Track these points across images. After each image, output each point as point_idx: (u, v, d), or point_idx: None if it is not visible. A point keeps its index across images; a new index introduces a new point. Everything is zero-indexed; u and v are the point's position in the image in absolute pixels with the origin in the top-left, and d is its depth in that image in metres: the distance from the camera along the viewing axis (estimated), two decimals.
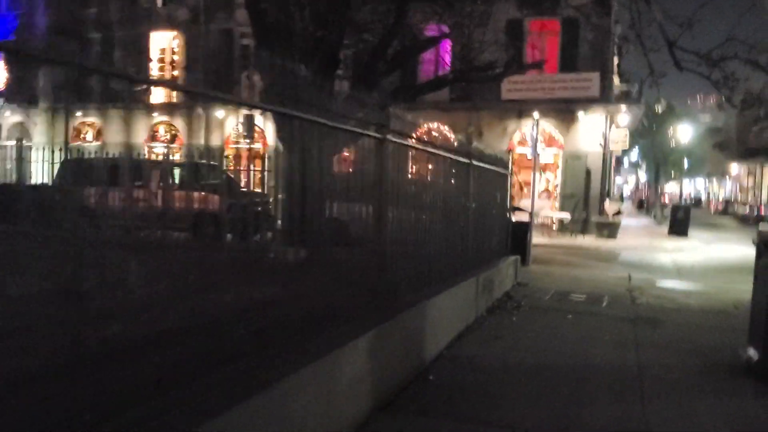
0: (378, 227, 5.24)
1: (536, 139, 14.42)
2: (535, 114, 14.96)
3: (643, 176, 62.30)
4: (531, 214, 14.42)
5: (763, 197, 54.67)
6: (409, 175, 6.03)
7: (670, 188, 68.73)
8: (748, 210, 43.54)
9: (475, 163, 8.26)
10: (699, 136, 42.03)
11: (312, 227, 5.08)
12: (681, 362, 6.31)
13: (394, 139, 5.35)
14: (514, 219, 14.59)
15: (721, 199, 62.15)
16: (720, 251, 20.33)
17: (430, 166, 6.82)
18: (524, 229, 13.91)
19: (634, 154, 48.52)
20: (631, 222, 33.62)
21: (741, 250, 20.83)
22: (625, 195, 67.83)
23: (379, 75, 10.95)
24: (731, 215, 46.86)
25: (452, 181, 7.62)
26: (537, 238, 21.96)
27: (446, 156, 7.06)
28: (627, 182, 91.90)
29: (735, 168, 69.22)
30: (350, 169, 5.57)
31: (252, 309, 4.80)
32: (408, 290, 5.76)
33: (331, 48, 9.64)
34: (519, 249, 13.34)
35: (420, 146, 6.00)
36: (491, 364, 5.93)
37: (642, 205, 51.10)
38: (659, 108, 34.24)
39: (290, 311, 4.62)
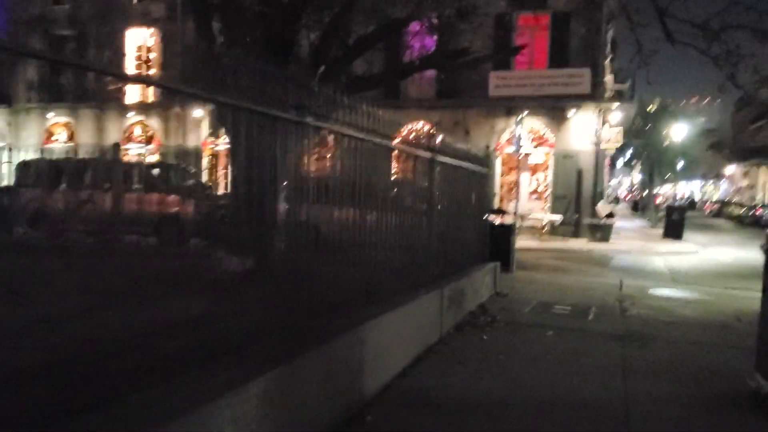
0: (297, 232, 4.22)
1: (520, 136, 13.39)
2: (522, 112, 13.96)
3: (637, 177, 61.42)
4: (515, 217, 13.34)
5: (760, 198, 53.90)
6: (342, 168, 4.99)
7: (665, 190, 67.93)
8: (743, 211, 42.59)
9: (440, 158, 7.23)
10: (694, 136, 41.18)
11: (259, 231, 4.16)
12: (675, 393, 5.28)
13: (314, 123, 4.31)
14: (498, 221, 13.58)
15: (715, 201, 61.34)
16: (717, 255, 19.35)
17: (380, 161, 5.80)
18: (507, 232, 12.90)
19: (628, 155, 47.60)
20: (624, 224, 32.67)
21: (739, 254, 19.89)
22: (619, 196, 66.97)
23: (338, 62, 9.89)
24: (726, 217, 45.92)
25: (410, 178, 6.59)
26: (526, 242, 21.00)
27: (396, 148, 6.02)
28: (621, 183, 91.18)
29: (730, 169, 68.56)
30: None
31: (135, 337, 3.81)
32: (343, 310, 4.72)
33: (277, 27, 8.58)
34: (501, 254, 12.35)
35: (351, 131, 4.93)
36: (448, 400, 4.89)
37: (636, 207, 50.21)
38: (653, 107, 33.24)
39: (175, 342, 3.61)
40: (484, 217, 10.03)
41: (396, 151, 6.21)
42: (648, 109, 32.74)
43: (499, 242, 12.54)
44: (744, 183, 64.66)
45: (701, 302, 10.14)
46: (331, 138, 5.00)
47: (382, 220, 5.70)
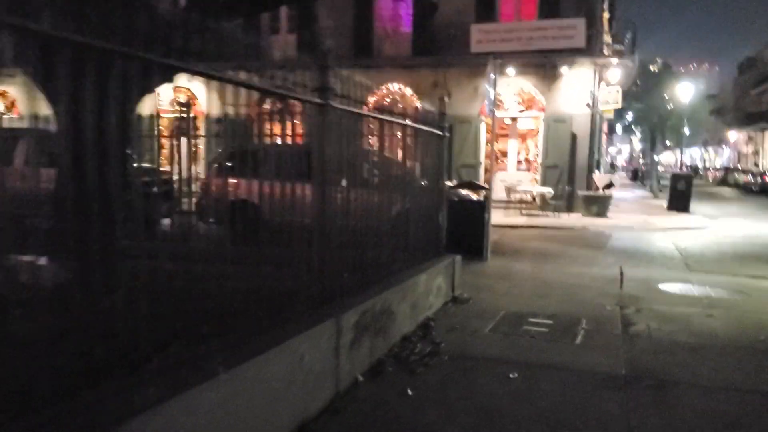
0: None
1: (492, 93, 10.70)
2: (496, 61, 11.22)
3: (637, 144, 58.67)
4: (488, 191, 10.75)
5: (765, 164, 51.30)
6: None
7: (666, 158, 65.24)
8: (750, 178, 39.99)
9: (338, 106, 4.63)
10: (697, 101, 38.41)
11: None
12: None
13: None
14: (474, 197, 11.02)
15: (719, 168, 58.80)
16: (730, 230, 16.80)
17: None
18: (479, 211, 10.33)
19: (628, 119, 44.82)
20: (624, 194, 30.14)
21: (754, 228, 17.36)
22: (616, 164, 64.36)
23: None
24: (731, 184, 43.35)
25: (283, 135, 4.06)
26: (512, 218, 18.44)
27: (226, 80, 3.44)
28: (621, 151, 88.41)
29: (733, 135, 65.88)
30: None
31: None
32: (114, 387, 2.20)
33: None
34: (470, 240, 9.84)
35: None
36: None
37: (636, 176, 47.54)
38: (656, 67, 30.46)
39: None
40: (438, 194, 7.44)
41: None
42: (652, 68, 29.89)
43: (468, 224, 10.02)
44: (748, 149, 62.06)
45: (730, 305, 7.60)
46: None
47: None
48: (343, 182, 4.92)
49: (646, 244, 13.71)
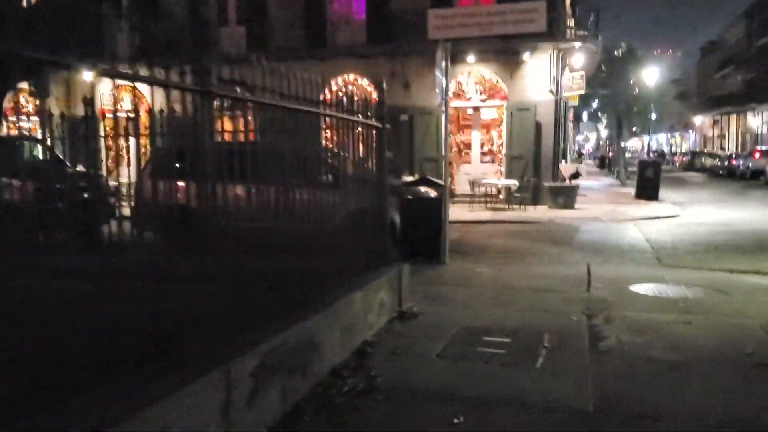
0: None
1: (444, 79, 9.79)
2: (448, 43, 10.29)
3: (604, 132, 58.46)
4: (445, 188, 9.88)
5: (732, 147, 51.43)
6: None
7: (633, 144, 65.22)
8: (717, 162, 39.85)
9: (222, 93, 3.71)
10: (662, 86, 38.04)
11: None
12: None
13: None
14: (431, 195, 10.16)
15: (685, 152, 58.91)
16: (701, 217, 16.20)
17: None
18: (435, 210, 9.45)
19: (594, 106, 44.34)
20: (592, 183, 29.62)
21: (725, 215, 16.80)
22: (583, 152, 64.17)
23: None
24: (698, 169, 43.24)
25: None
26: (477, 213, 17.67)
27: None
28: (588, 139, 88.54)
29: (698, 119, 66.14)
30: None
31: None
32: None
33: None
34: (426, 242, 8.97)
35: None
36: None
37: (604, 164, 47.18)
38: (621, 51, 29.90)
39: None
40: (381, 193, 6.54)
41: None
42: (616, 53, 29.31)
43: (424, 225, 9.16)
44: (713, 133, 62.33)
45: (709, 307, 6.82)
46: None
47: None
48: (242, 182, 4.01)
49: (615, 237, 12.98)
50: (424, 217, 9.44)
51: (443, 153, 20.42)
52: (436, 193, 9.90)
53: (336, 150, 5.74)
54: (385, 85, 6.54)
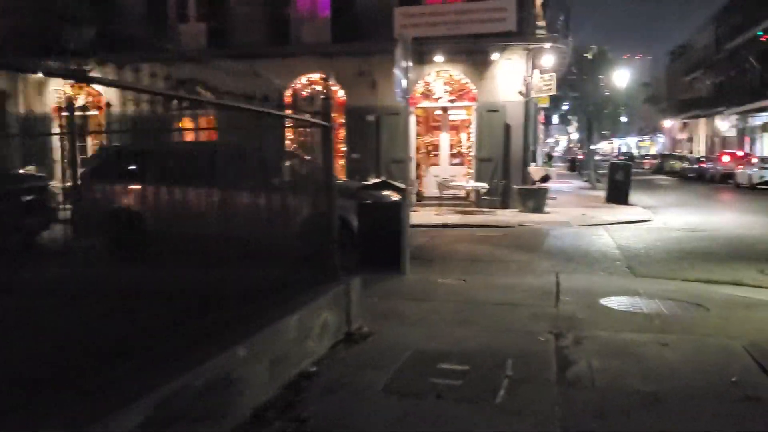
0: None
1: (405, 67, 9.10)
2: (407, 36, 9.59)
3: (574, 134, 58.45)
4: (406, 191, 9.22)
5: (699, 150, 51.71)
6: None
7: (602, 147, 65.38)
8: (687, 165, 39.88)
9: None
10: (632, 89, 37.87)
11: None
12: None
13: None
14: (391, 199, 9.50)
15: (655, 155, 59.18)
16: (674, 222, 15.79)
17: None
18: (393, 216, 8.80)
19: (564, 108, 44.11)
20: (562, 186, 29.27)
21: (697, 219, 16.44)
22: (553, 154, 64.15)
23: None
24: (667, 172, 43.29)
25: None
26: (446, 217, 17.06)
27: None
28: (558, 142, 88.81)
29: (667, 123, 66.58)
30: None
31: None
32: None
33: None
34: (385, 251, 8.33)
35: None
36: None
37: (574, 166, 47.05)
38: (592, 53, 29.55)
39: None
40: (328, 198, 5.85)
41: None
42: (587, 55, 28.96)
43: (383, 232, 8.51)
44: (682, 136, 62.77)
45: (686, 325, 6.26)
46: None
47: None
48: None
49: (585, 243, 12.46)
50: (383, 223, 8.78)
51: (411, 155, 19.93)
52: (398, 197, 9.22)
53: (271, 149, 5.07)
54: (332, 81, 5.83)
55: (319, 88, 20.51)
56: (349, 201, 9.56)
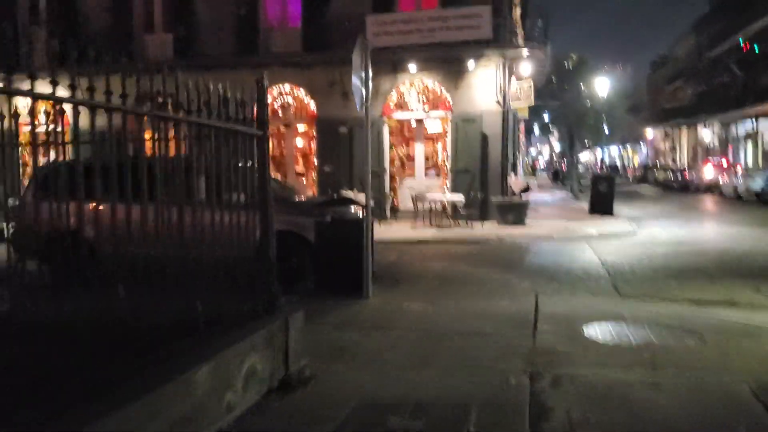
0: None
1: (364, 69, 8.25)
2: (363, 42, 8.69)
3: (557, 145, 58.02)
4: (368, 207, 8.36)
5: (684, 160, 51.44)
6: None
7: (585, 157, 65.05)
8: (670, 175, 39.43)
9: None
10: (613, 98, 37.37)
11: None
12: None
13: None
14: (351, 216, 8.67)
15: (638, 165, 58.97)
16: (660, 235, 15.08)
17: None
18: (353, 235, 7.95)
19: (545, 118, 43.55)
20: (545, 197, 28.62)
21: (683, 231, 15.75)
22: (537, 166, 63.76)
23: None
24: (651, 182, 42.85)
25: None
26: (420, 232, 16.27)
27: None
28: (541, 153, 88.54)
29: (650, 132, 66.41)
30: None
31: None
32: None
33: None
34: (343, 272, 7.51)
35: None
36: None
37: (557, 177, 46.50)
38: (572, 61, 29.04)
39: None
40: (262, 216, 4.99)
41: None
42: (567, 64, 28.43)
43: (342, 253, 7.68)
44: (665, 145, 62.61)
45: (680, 359, 5.44)
46: None
47: None
48: None
49: (567, 260, 11.68)
50: (343, 243, 7.94)
51: (385, 167, 19.13)
52: (358, 213, 8.36)
53: (204, 162, 4.24)
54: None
55: (290, 99, 19.74)
56: (309, 219, 8.75)
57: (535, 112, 35.96)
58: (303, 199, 10.79)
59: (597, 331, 6.26)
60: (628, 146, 79.86)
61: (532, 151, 78.06)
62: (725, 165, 32.20)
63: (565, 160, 42.24)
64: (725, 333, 6.23)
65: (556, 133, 45.80)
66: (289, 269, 9.02)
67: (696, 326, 6.45)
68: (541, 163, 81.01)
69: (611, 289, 9.01)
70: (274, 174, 11.37)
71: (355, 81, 7.91)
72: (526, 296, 8.20)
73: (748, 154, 39.37)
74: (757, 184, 25.39)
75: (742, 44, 35.59)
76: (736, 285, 8.96)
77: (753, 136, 37.72)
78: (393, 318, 7.00)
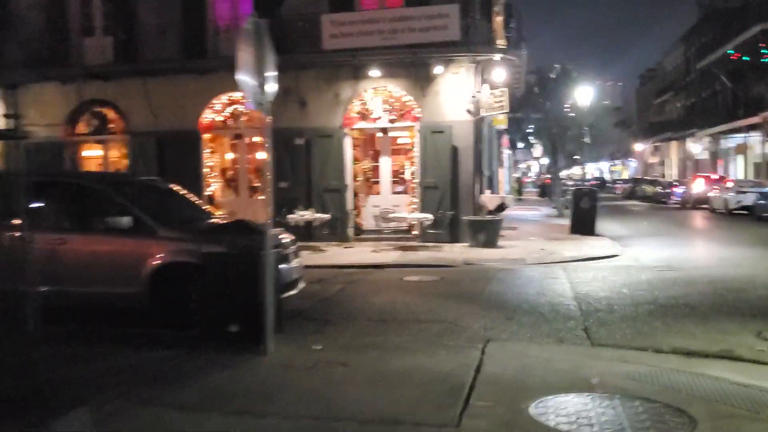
0: None
1: (257, 65, 6.61)
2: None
3: (542, 158, 56.53)
4: (264, 236, 6.57)
5: (673, 174, 50.10)
6: None
7: (574, 171, 63.62)
8: (660, 189, 37.95)
9: None
10: (600, 110, 35.88)
11: None
12: None
13: None
14: (244, 247, 6.99)
15: (626, 180, 57.67)
16: (646, 259, 13.43)
17: None
18: (246, 272, 6.22)
19: (528, 131, 41.99)
20: (528, 214, 27.08)
21: (674, 254, 14.11)
22: (523, 180, 62.28)
23: None
24: (639, 197, 41.38)
25: None
26: (382, 254, 14.57)
27: None
28: (530, 167, 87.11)
29: (639, 146, 65.23)
30: None
31: None
32: None
33: None
34: (235, 317, 5.80)
35: None
36: None
37: (544, 192, 44.88)
38: (555, 72, 27.57)
39: None
40: None
41: None
42: (549, 74, 26.95)
43: (236, 292, 5.96)
44: (654, 160, 61.41)
45: None
46: None
47: None
48: None
49: (535, 291, 9.98)
50: (234, 281, 6.21)
51: (347, 182, 17.45)
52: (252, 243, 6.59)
53: None
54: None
55: (242, 108, 18.03)
56: (217, 246, 7.04)
57: (518, 124, 34.41)
58: (215, 222, 9.08)
59: (549, 413, 4.54)
60: (618, 161, 78.71)
61: (521, 165, 76.67)
62: (715, 179, 30.74)
63: (549, 174, 40.68)
64: (724, 410, 4.53)
65: (539, 147, 44.25)
66: (183, 310, 7.34)
67: (685, 397, 4.75)
68: (531, 177, 79.58)
69: (581, 333, 7.30)
70: (184, 187, 9.66)
71: (243, 77, 6.29)
72: (473, 345, 6.50)
73: (738, 168, 38.01)
74: (748, 198, 24.00)
75: (731, 55, 34.26)
76: (733, 328, 7.31)
77: (743, 149, 36.36)
78: (281, 390, 5.21)
